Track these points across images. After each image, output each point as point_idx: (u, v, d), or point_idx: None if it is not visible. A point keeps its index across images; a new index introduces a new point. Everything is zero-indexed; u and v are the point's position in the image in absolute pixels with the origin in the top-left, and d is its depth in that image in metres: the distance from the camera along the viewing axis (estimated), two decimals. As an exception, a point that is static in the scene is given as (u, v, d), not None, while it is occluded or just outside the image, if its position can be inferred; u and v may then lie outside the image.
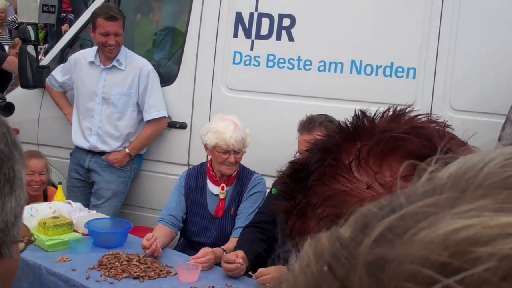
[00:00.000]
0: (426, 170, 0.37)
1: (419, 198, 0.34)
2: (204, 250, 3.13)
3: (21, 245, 0.76)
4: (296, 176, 0.76)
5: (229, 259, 2.97)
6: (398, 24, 3.75)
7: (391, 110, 0.75)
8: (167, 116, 4.31)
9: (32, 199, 3.69)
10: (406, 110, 0.75)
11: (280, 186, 0.77)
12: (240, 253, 3.00)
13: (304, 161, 0.76)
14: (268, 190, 3.56)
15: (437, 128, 0.73)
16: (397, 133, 0.71)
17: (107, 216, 3.67)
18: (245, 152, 3.51)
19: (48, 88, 4.61)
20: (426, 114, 0.74)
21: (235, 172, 3.58)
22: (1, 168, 0.67)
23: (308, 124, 3.24)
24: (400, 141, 0.71)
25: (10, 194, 0.68)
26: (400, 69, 3.75)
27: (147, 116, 4.28)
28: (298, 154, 3.23)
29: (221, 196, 3.56)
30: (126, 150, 4.32)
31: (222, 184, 3.55)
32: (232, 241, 3.35)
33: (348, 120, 0.75)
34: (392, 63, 3.76)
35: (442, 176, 0.36)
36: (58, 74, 4.52)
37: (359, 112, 0.75)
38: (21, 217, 0.72)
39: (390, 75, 3.77)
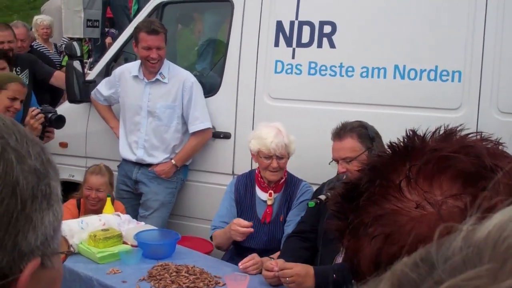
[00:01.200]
0: (462, 229, 0.37)
1: (460, 269, 0.34)
2: (251, 255, 3.15)
3: (61, 256, 0.79)
4: (349, 196, 0.77)
5: (267, 266, 2.97)
6: (441, 26, 3.67)
7: (442, 128, 0.74)
8: (211, 127, 4.35)
9: (93, 212, 3.77)
10: (458, 129, 0.74)
11: (334, 205, 0.78)
12: (280, 261, 3.00)
13: (356, 181, 0.76)
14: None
15: (488, 146, 0.73)
16: (447, 153, 0.71)
17: (156, 228, 3.71)
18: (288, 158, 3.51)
19: (94, 102, 4.70)
20: (479, 132, 0.74)
21: (283, 180, 3.60)
22: (38, 185, 0.70)
23: (340, 131, 3.21)
24: (450, 160, 0.70)
25: (47, 209, 0.71)
26: (445, 73, 3.67)
27: (192, 128, 4.31)
28: (333, 162, 3.22)
29: (269, 202, 3.58)
30: (172, 161, 4.37)
31: (270, 191, 3.58)
32: None
33: (399, 140, 0.75)
34: (436, 67, 3.69)
35: (480, 237, 0.36)
36: (103, 88, 4.59)
37: (410, 132, 0.75)
38: (60, 230, 0.75)
39: (435, 79, 3.69)
